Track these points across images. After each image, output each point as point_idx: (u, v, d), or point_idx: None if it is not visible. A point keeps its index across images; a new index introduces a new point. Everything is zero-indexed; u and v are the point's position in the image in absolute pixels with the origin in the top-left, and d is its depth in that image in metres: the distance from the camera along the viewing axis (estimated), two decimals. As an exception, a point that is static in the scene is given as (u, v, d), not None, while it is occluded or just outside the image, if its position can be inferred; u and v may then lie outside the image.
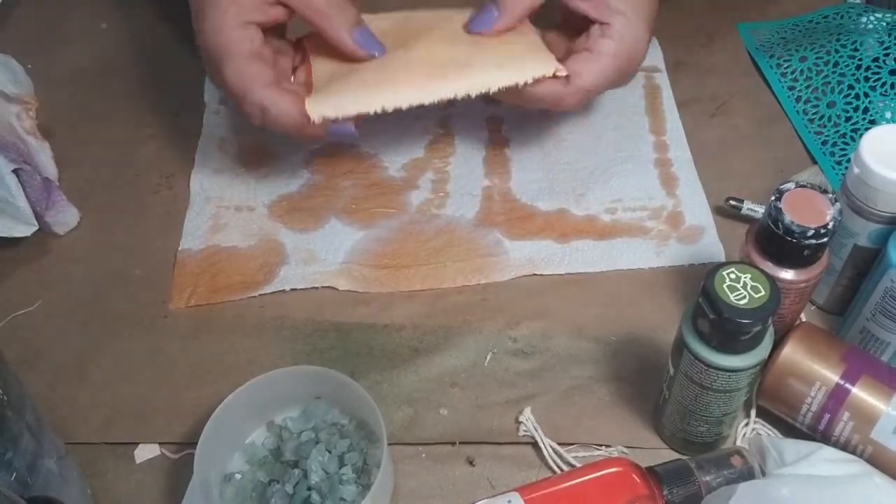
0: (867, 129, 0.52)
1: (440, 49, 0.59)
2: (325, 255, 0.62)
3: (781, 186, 0.49)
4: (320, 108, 0.56)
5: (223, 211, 0.65)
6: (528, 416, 0.52)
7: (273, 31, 0.59)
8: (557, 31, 0.63)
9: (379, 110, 0.56)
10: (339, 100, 0.56)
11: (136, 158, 0.70)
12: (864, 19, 0.73)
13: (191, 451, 0.48)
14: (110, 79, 0.77)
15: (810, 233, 0.47)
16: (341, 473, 0.48)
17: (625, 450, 0.52)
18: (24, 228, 0.61)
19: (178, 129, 0.71)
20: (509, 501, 0.46)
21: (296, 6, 0.57)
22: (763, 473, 0.46)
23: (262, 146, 0.69)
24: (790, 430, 0.51)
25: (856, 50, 0.68)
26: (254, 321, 0.59)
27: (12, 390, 0.42)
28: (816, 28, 0.74)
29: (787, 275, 0.49)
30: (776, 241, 0.48)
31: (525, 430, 0.52)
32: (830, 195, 0.48)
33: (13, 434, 0.41)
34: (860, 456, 0.47)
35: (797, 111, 0.69)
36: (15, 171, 0.61)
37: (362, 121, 0.57)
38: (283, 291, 0.60)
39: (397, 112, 0.56)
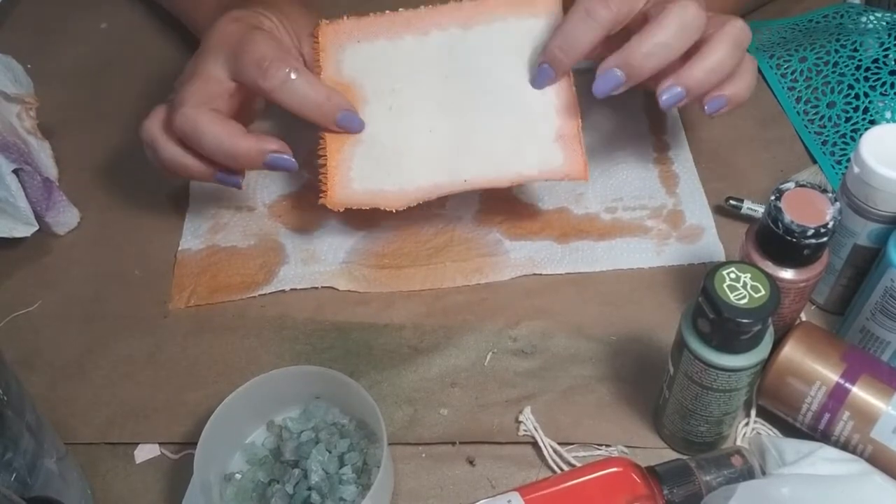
0: (867, 128, 0.52)
1: (464, 130, 0.58)
2: (325, 255, 0.62)
3: (781, 186, 0.49)
4: (343, 201, 0.57)
5: (223, 211, 0.65)
6: (528, 416, 0.52)
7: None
8: None
9: (401, 209, 0.57)
10: (365, 183, 0.57)
11: (136, 158, 0.69)
12: (863, 19, 0.73)
13: (191, 451, 0.48)
14: (110, 78, 0.77)
15: (810, 232, 0.47)
16: (341, 473, 0.48)
17: (625, 449, 0.52)
18: (24, 229, 0.61)
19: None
20: (509, 501, 0.46)
21: (287, 104, 0.55)
22: (763, 473, 0.47)
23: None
24: (790, 430, 0.51)
25: (855, 50, 0.68)
26: (254, 321, 0.59)
27: (12, 390, 0.42)
28: (816, 28, 0.74)
29: (787, 274, 0.49)
30: (776, 241, 0.48)
31: (525, 430, 0.52)
32: (830, 195, 0.48)
33: (13, 434, 0.41)
34: (860, 455, 0.47)
35: (797, 111, 0.69)
36: (15, 172, 0.61)
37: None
38: (283, 291, 0.60)
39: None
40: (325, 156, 0.58)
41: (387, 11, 0.60)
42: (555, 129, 0.57)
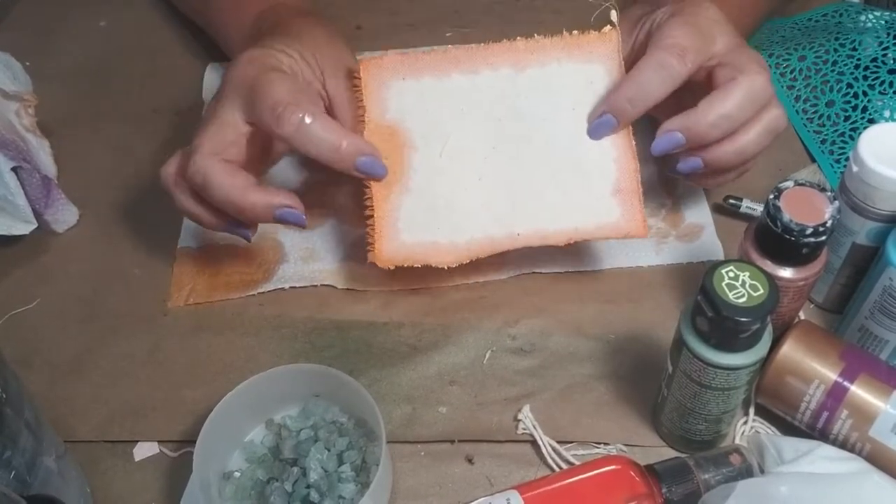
0: (866, 127, 0.52)
1: (520, 184, 0.56)
2: (324, 254, 0.62)
3: (780, 185, 0.49)
4: (392, 256, 0.54)
5: (222, 209, 0.65)
6: (526, 414, 0.52)
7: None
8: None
9: (453, 265, 0.55)
10: (416, 235, 0.55)
11: (135, 156, 0.70)
12: (862, 18, 0.73)
13: (190, 450, 0.48)
14: (109, 77, 0.77)
15: (809, 231, 0.47)
16: (340, 471, 0.48)
17: (623, 448, 0.52)
18: (23, 226, 0.61)
19: (177, 127, 0.71)
20: (508, 500, 0.46)
21: (303, 149, 0.52)
22: (762, 471, 0.47)
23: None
24: (789, 428, 0.51)
25: (854, 49, 0.68)
26: (253, 319, 0.59)
27: (11, 388, 0.42)
28: (815, 27, 0.74)
29: (786, 273, 0.49)
30: (775, 240, 0.48)
31: (524, 428, 0.52)
32: (829, 193, 0.48)
33: (12, 432, 0.41)
34: (859, 454, 0.47)
35: (796, 110, 0.69)
36: (14, 170, 0.61)
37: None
38: (282, 289, 0.60)
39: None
40: (372, 206, 0.55)
41: (433, 48, 0.57)
42: (612, 182, 0.55)
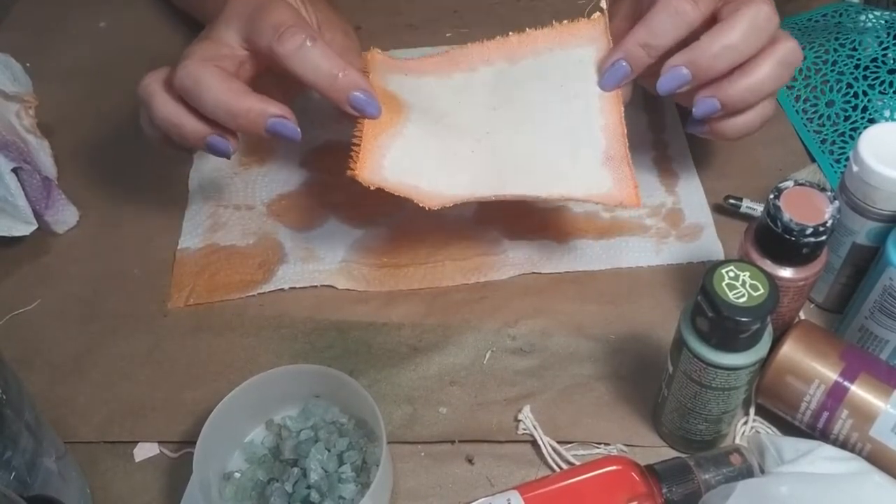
0: (866, 127, 0.52)
1: (514, 144, 0.56)
2: (324, 254, 0.62)
3: (780, 184, 0.49)
4: (374, 176, 0.53)
5: (222, 210, 0.65)
6: (527, 415, 0.52)
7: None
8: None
9: (435, 207, 0.53)
10: (398, 175, 0.53)
11: (135, 157, 0.70)
12: (862, 18, 0.73)
13: (190, 450, 0.48)
14: (109, 77, 0.77)
15: (809, 231, 0.47)
16: (340, 472, 0.48)
17: (624, 448, 0.52)
18: (23, 227, 0.61)
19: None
20: (508, 500, 0.46)
21: (299, 72, 0.51)
22: (762, 471, 0.47)
23: (261, 145, 0.69)
24: (789, 428, 0.51)
25: (854, 49, 0.68)
26: (253, 320, 0.59)
27: (11, 389, 0.42)
28: (815, 27, 0.74)
29: (786, 273, 0.49)
30: (775, 240, 0.48)
31: (524, 429, 0.52)
32: (829, 193, 0.48)
33: (12, 433, 0.41)
34: (859, 454, 0.47)
35: (796, 110, 0.69)
36: (14, 170, 0.61)
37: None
38: (282, 290, 0.60)
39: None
40: (360, 136, 0.54)
41: (434, 55, 0.59)
42: (602, 150, 0.55)
